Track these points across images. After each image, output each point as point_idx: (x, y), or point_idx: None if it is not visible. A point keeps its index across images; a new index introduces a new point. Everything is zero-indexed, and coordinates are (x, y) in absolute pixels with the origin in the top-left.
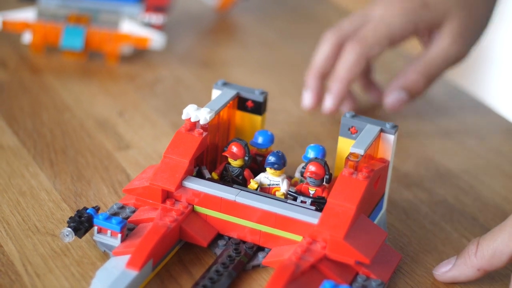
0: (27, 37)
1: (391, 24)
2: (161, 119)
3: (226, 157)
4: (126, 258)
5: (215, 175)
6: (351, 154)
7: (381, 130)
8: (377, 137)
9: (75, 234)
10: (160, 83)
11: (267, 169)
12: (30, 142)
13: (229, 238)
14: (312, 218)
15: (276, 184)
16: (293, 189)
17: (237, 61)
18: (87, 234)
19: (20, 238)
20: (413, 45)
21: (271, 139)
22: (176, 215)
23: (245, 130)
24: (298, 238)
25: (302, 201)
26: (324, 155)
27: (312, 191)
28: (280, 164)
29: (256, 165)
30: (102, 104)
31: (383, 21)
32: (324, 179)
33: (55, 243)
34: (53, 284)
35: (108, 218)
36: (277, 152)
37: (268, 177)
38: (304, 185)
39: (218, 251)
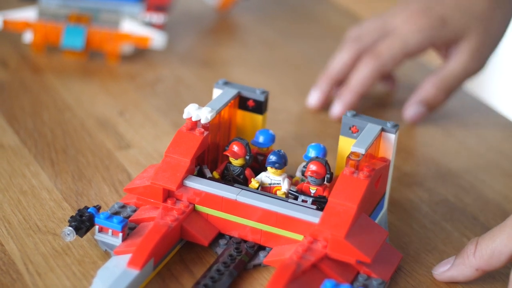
0: (27, 37)
1: (407, 41)
2: (162, 118)
3: (227, 156)
4: (127, 257)
5: (216, 174)
6: (352, 153)
7: (382, 129)
8: (378, 136)
9: (76, 233)
10: (161, 82)
11: (268, 168)
12: (31, 141)
13: (230, 237)
14: (313, 217)
15: (277, 183)
16: (294, 188)
17: (237, 60)
18: (88, 233)
19: (21, 237)
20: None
21: (272, 138)
22: (177, 214)
23: (246, 129)
24: (299, 237)
25: (303, 200)
26: (325, 154)
27: (313, 190)
28: (281, 163)
29: (257, 164)
30: (103, 103)
31: (399, 37)
32: (325, 178)
33: (56, 242)
34: (54, 283)
35: (109, 217)
36: (278, 151)
37: (269, 176)
38: (305, 184)
39: (219, 250)
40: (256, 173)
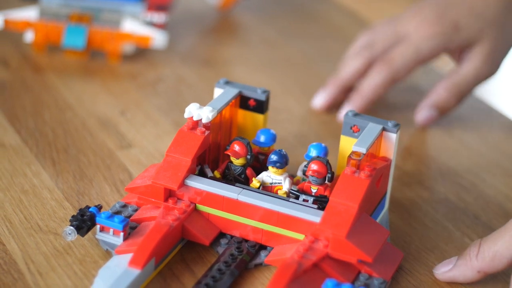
0: (29, 36)
1: (420, 47)
2: (163, 118)
3: (228, 156)
4: (128, 256)
5: (217, 174)
6: (353, 152)
7: (383, 129)
8: (379, 136)
9: (78, 233)
10: (162, 82)
11: (269, 167)
12: (32, 141)
13: (232, 236)
14: (314, 216)
15: (278, 183)
16: (295, 188)
17: (239, 59)
18: (89, 233)
19: (22, 236)
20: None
21: (273, 138)
22: (178, 213)
23: (247, 128)
24: (301, 236)
25: (304, 200)
26: (326, 153)
27: (314, 189)
28: (282, 163)
29: (258, 164)
30: (104, 103)
31: (412, 44)
32: (326, 178)
33: (57, 241)
34: (56, 283)
35: (110, 217)
36: (279, 150)
37: (270, 175)
38: (306, 184)
39: (220, 249)
40: (257, 172)
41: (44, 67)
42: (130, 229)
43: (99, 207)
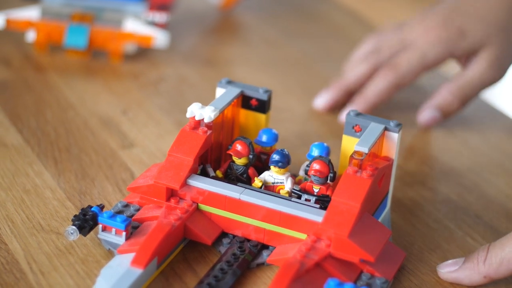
0: (30, 36)
1: (426, 54)
2: (165, 117)
3: (231, 156)
4: (130, 256)
5: (219, 174)
6: (355, 152)
7: (385, 128)
8: (381, 135)
9: (80, 232)
10: (164, 81)
11: (272, 167)
12: (34, 140)
13: (234, 236)
14: (316, 216)
15: (280, 182)
16: (297, 187)
17: (240, 59)
18: (91, 232)
19: (24, 236)
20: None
21: (275, 137)
22: (180, 213)
23: (249, 128)
24: (303, 236)
25: (306, 199)
26: (328, 153)
27: (316, 189)
28: (284, 162)
29: (260, 163)
30: (106, 102)
31: (418, 50)
32: (329, 177)
33: (59, 241)
34: (58, 282)
35: (112, 216)
36: (281, 150)
37: (272, 175)
38: (308, 183)
39: (222, 249)
40: (260, 172)
41: (46, 67)
42: (132, 229)
43: (101, 207)
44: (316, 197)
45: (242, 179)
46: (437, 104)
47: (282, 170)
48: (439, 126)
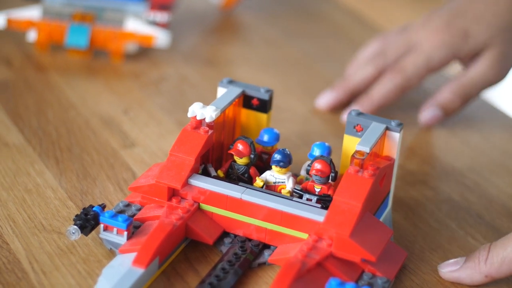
0: (32, 35)
1: (431, 57)
2: (166, 117)
3: (232, 155)
4: (132, 256)
5: (220, 173)
6: (356, 152)
7: (387, 128)
8: (383, 135)
9: (81, 232)
10: (165, 81)
11: (273, 167)
12: (36, 140)
13: (235, 235)
14: (318, 215)
15: (282, 182)
16: (298, 187)
17: (241, 59)
18: (93, 232)
19: (26, 236)
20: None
21: (276, 137)
22: (182, 213)
23: (250, 128)
24: (304, 235)
25: (307, 199)
26: (329, 153)
27: (317, 189)
28: (286, 162)
29: (261, 163)
30: (107, 102)
31: (423, 53)
32: (330, 177)
33: (61, 241)
34: (60, 282)
35: (114, 216)
36: (282, 150)
37: (273, 175)
38: (309, 183)
39: (224, 248)
40: (261, 171)
41: (47, 67)
42: (134, 228)
43: (102, 206)
44: (317, 197)
45: (243, 178)
46: (439, 103)
47: (283, 169)
48: (441, 126)
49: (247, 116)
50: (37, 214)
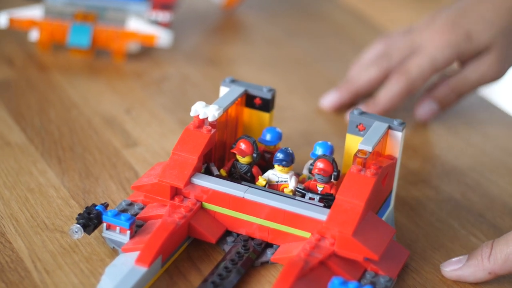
0: (34, 35)
1: (435, 58)
2: (168, 116)
3: (234, 154)
4: (135, 254)
5: (223, 172)
6: (359, 151)
7: (389, 127)
8: (385, 134)
9: (84, 231)
10: (167, 80)
11: (275, 166)
12: (38, 139)
13: (238, 234)
14: (320, 214)
15: (284, 181)
16: (301, 186)
17: (243, 58)
18: (96, 231)
19: (29, 234)
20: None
21: (279, 136)
22: (184, 211)
23: (253, 127)
24: (307, 234)
25: (310, 198)
26: (332, 152)
27: (320, 188)
28: (288, 161)
29: (264, 162)
30: (109, 101)
31: (427, 55)
32: (332, 176)
33: (64, 239)
34: (62, 281)
35: (117, 215)
36: (285, 149)
37: (276, 174)
38: (312, 182)
39: (226, 247)
40: (263, 171)
41: (49, 66)
42: (137, 227)
43: (105, 205)
44: (320, 196)
45: (246, 177)
46: (434, 97)
47: (286, 168)
48: (442, 125)
49: (250, 115)
50: (40, 213)
